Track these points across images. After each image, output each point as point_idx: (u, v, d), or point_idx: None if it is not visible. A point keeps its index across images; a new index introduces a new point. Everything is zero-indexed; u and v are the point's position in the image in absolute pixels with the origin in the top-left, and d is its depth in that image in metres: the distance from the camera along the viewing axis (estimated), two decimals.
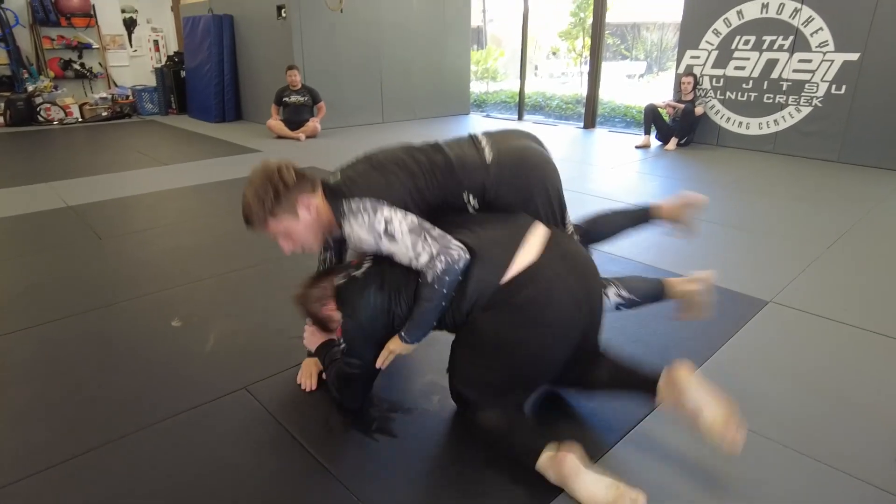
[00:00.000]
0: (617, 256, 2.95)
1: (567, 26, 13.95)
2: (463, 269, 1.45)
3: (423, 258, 1.44)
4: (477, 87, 12.63)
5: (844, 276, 2.76)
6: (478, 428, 1.53)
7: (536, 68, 14.77)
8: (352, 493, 1.40)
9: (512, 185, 1.60)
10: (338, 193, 1.52)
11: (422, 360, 1.96)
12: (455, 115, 8.74)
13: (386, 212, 1.46)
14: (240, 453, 1.54)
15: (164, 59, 9.11)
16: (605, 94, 9.88)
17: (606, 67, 7.35)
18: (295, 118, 6.61)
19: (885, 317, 2.32)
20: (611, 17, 14.90)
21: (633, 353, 2.02)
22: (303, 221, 1.52)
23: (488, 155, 1.59)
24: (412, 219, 1.47)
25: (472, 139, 1.66)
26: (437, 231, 1.47)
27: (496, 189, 1.59)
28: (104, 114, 8.27)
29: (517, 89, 8.60)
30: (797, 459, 1.53)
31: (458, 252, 1.43)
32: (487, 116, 8.88)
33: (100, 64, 8.59)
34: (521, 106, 8.47)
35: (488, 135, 1.68)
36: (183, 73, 8.63)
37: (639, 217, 2.02)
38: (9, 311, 2.36)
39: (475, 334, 1.50)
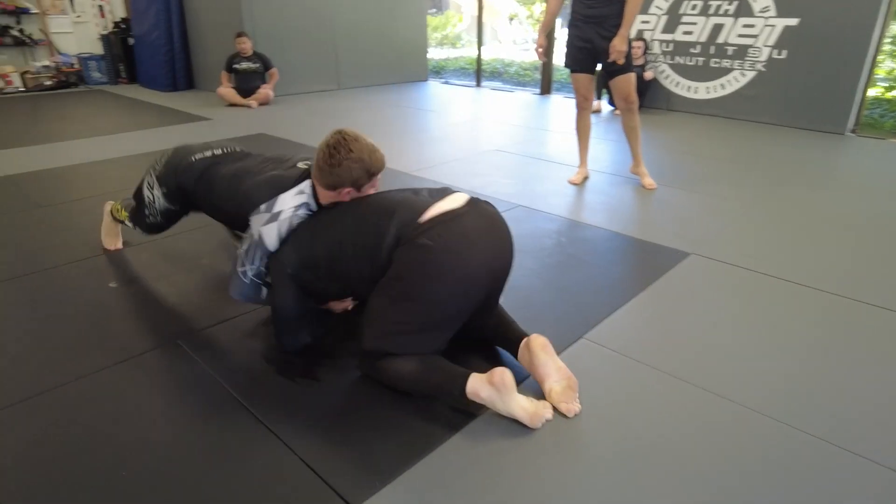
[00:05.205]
0: (549, 213, 3.05)
1: None
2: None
3: None
4: (438, 54, 12.52)
5: (760, 230, 2.91)
6: (393, 376, 1.57)
7: (497, 33, 14.64)
8: (271, 432, 1.48)
9: None
10: None
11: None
12: (413, 81, 8.69)
13: None
14: (166, 399, 1.60)
15: (110, 26, 8.77)
16: None
17: None
18: (246, 85, 6.50)
19: (789, 265, 2.48)
20: None
21: (555, 299, 2.13)
22: None
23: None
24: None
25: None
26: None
27: None
28: (48, 83, 7.96)
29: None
30: (713, 400, 1.67)
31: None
32: (446, 83, 8.85)
33: (40, 30, 8.23)
34: (478, 72, 8.46)
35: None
36: (131, 41, 8.34)
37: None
38: None
39: (389, 278, 1.57)
